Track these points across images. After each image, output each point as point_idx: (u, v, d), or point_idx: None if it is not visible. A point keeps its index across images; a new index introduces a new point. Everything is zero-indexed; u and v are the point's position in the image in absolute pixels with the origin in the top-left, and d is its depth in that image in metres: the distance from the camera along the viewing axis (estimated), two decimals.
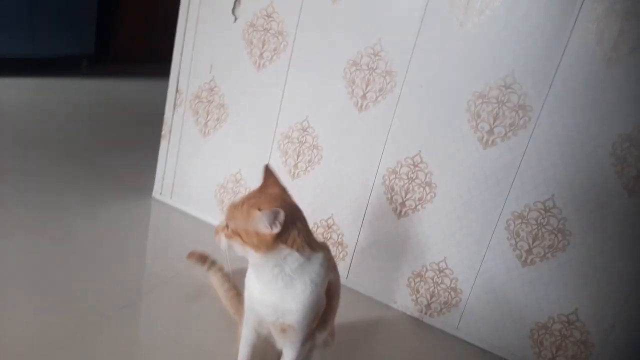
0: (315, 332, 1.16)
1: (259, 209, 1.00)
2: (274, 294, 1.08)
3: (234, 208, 1.07)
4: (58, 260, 1.64)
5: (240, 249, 1.05)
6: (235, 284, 1.57)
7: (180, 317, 1.54)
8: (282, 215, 0.99)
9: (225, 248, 1.07)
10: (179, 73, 2.02)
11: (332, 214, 1.86)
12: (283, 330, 1.11)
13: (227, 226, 1.07)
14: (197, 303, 1.60)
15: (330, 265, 1.14)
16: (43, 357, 1.24)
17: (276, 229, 1.01)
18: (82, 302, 1.48)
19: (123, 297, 1.53)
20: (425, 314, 1.77)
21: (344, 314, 1.63)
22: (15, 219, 1.82)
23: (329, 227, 1.87)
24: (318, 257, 1.10)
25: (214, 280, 1.61)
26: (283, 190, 1.13)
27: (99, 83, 4.20)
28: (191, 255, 1.66)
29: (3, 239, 1.68)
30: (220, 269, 1.61)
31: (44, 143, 2.55)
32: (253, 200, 1.07)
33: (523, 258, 1.59)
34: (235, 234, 1.04)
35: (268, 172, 1.15)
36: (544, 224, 1.54)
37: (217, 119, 1.98)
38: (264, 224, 1.00)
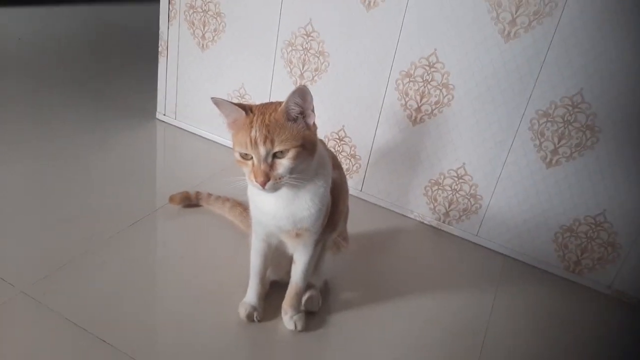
0: (325, 233, 1.13)
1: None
2: (291, 204, 1.02)
3: (268, 123, 0.93)
4: (66, 182, 1.61)
5: (288, 167, 0.94)
6: (236, 200, 1.53)
7: (192, 233, 1.51)
8: (307, 90, 0.94)
9: (272, 188, 0.95)
10: None
11: (343, 126, 1.76)
12: (298, 235, 1.08)
13: (272, 154, 0.94)
14: (208, 219, 1.56)
15: (334, 162, 1.10)
16: (51, 273, 1.22)
17: (314, 115, 0.97)
18: (91, 219, 1.45)
19: (132, 216, 1.49)
20: (444, 222, 1.72)
21: (360, 224, 1.61)
22: (21, 144, 1.77)
23: (341, 140, 1.78)
24: (322, 154, 1.05)
25: (213, 208, 1.58)
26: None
27: (95, 9, 4.02)
28: (172, 199, 1.56)
29: (10, 163, 1.64)
30: (210, 195, 1.58)
31: (43, 70, 2.45)
32: (267, 107, 0.98)
33: (548, 159, 1.49)
34: (287, 148, 0.94)
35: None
36: (571, 121, 1.43)
37: (215, 30, 1.85)
38: (308, 104, 0.95)
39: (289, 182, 0.96)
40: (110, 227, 1.43)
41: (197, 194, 1.58)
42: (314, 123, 0.99)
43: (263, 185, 0.94)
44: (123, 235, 1.41)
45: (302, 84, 0.97)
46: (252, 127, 0.93)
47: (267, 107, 0.97)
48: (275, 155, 0.94)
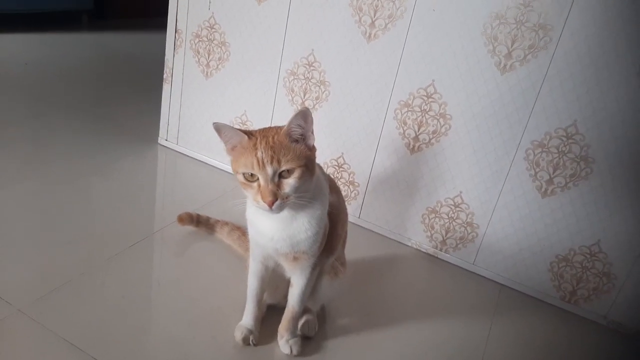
0: (322, 257, 1.14)
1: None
2: (289, 227, 1.04)
3: (272, 144, 0.96)
4: (67, 205, 1.62)
5: (294, 186, 0.97)
6: (234, 224, 1.54)
7: (190, 256, 1.51)
8: (309, 112, 0.97)
9: (279, 208, 0.97)
10: (177, 11, 1.92)
11: (342, 153, 1.79)
12: (296, 258, 1.09)
13: (278, 174, 0.96)
14: (207, 243, 1.57)
15: (331, 185, 1.12)
16: (49, 292, 1.22)
17: (314, 137, 1.01)
18: (90, 242, 1.46)
19: (130, 238, 1.50)
20: (441, 250, 1.73)
21: (358, 251, 1.63)
22: (25, 167, 1.80)
23: (340, 167, 1.81)
24: (319, 177, 1.07)
25: (212, 231, 1.59)
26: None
27: (100, 37, 4.12)
28: (181, 219, 1.58)
29: (13, 185, 1.66)
30: (209, 219, 1.59)
31: (48, 96, 2.50)
32: (268, 130, 1.01)
33: (543, 189, 1.52)
34: (293, 167, 0.96)
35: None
36: (565, 151, 1.46)
37: (219, 59, 1.90)
38: (309, 126, 0.98)
39: (295, 201, 0.98)
40: (109, 249, 1.44)
41: (198, 216, 1.60)
42: (313, 145, 1.01)
43: (271, 205, 0.95)
44: (121, 258, 1.42)
45: (304, 106, 1.02)
46: (256, 149, 0.96)
47: (269, 131, 1.00)
48: (281, 175, 0.96)
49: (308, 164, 0.98)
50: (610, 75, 1.35)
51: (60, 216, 1.55)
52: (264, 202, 0.95)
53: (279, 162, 0.95)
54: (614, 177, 1.42)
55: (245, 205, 1.08)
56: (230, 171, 1.92)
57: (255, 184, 0.97)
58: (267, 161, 0.95)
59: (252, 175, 0.97)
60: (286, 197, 0.96)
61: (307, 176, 0.98)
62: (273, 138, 0.97)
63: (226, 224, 1.56)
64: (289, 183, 0.96)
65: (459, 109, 1.56)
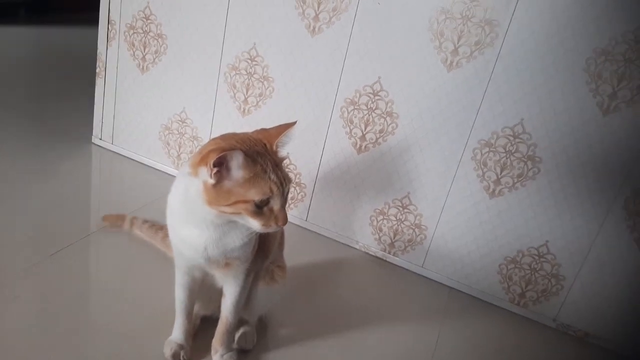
0: (256, 261, 1.06)
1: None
2: (226, 236, 0.95)
3: (277, 163, 0.90)
4: None
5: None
6: (161, 225, 1.44)
7: (120, 263, 1.40)
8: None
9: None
10: (109, 0, 1.79)
11: (287, 153, 1.69)
12: (228, 265, 1.00)
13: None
14: (139, 249, 1.45)
15: None
16: None
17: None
18: (9, 249, 1.32)
19: (55, 245, 1.37)
20: (389, 252, 1.67)
21: (304, 255, 1.57)
22: None
23: (285, 167, 1.72)
24: None
25: (141, 234, 1.49)
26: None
27: (37, 31, 3.88)
28: (106, 218, 1.51)
29: None
30: (145, 222, 1.49)
31: None
32: (255, 143, 0.92)
33: (491, 189, 1.48)
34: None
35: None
36: (512, 151, 1.43)
37: (156, 52, 1.78)
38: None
39: None
40: (30, 257, 1.31)
41: (133, 219, 1.48)
42: None
43: (285, 223, 0.90)
44: (43, 266, 1.29)
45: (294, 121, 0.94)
46: (266, 172, 0.87)
47: (256, 144, 0.91)
48: None
49: None
50: (557, 72, 1.33)
51: None
52: (279, 225, 0.89)
53: (289, 180, 0.90)
54: (561, 177, 1.40)
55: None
56: (170, 172, 1.81)
57: (265, 209, 0.87)
58: (285, 183, 0.88)
59: (261, 201, 0.86)
60: None
61: None
62: (272, 156, 0.90)
63: (161, 228, 1.45)
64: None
65: (405, 107, 1.50)
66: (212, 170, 0.84)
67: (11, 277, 1.23)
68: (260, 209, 0.87)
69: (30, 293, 1.20)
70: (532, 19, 1.31)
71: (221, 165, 0.84)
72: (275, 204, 0.88)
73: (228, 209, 0.86)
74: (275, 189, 0.86)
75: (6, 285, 1.20)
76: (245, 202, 0.86)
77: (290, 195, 1.70)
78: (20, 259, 1.30)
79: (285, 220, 0.89)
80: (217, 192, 0.86)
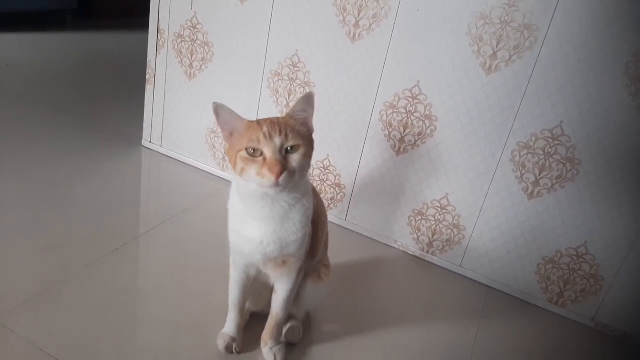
0: (306, 260, 1.12)
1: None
2: (281, 228, 1.01)
3: (278, 122, 0.95)
4: (48, 209, 1.58)
5: (300, 163, 0.95)
6: None
7: (171, 261, 1.48)
8: (313, 97, 0.97)
9: (285, 183, 0.93)
10: (158, 10, 1.88)
11: (327, 155, 1.77)
12: (284, 262, 1.06)
13: (286, 149, 0.94)
14: (190, 247, 1.54)
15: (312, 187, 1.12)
16: (25, 301, 1.19)
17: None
18: (71, 247, 1.42)
19: (112, 244, 1.47)
20: (427, 252, 1.71)
21: (344, 254, 1.61)
22: (3, 170, 1.75)
23: (326, 169, 1.79)
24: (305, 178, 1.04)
25: None
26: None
27: (84, 37, 4.06)
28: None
29: None
30: None
31: (30, 98, 2.45)
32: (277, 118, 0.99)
33: (529, 191, 1.50)
34: (299, 144, 0.95)
35: None
36: (551, 153, 1.45)
37: (203, 59, 1.87)
38: (312, 111, 0.99)
39: (297, 183, 0.97)
40: (90, 255, 1.41)
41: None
42: (313, 131, 1.01)
43: (278, 176, 0.91)
44: (102, 263, 1.39)
45: (310, 91, 1.08)
46: (261, 126, 0.94)
47: (269, 118, 0.99)
48: (286, 151, 0.94)
49: (310, 146, 0.98)
50: (596, 75, 1.34)
51: (40, 222, 1.52)
52: (271, 173, 0.91)
53: (286, 136, 0.93)
54: (600, 179, 1.42)
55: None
56: (216, 173, 1.89)
57: (259, 158, 0.93)
58: (275, 134, 0.93)
59: (255, 150, 0.93)
60: (293, 172, 0.94)
61: (309, 158, 0.97)
62: (277, 119, 0.97)
63: None
64: (296, 159, 0.94)
65: (444, 110, 1.54)
66: (222, 130, 0.99)
67: (76, 273, 1.33)
68: (254, 157, 0.93)
69: (92, 288, 1.30)
70: (571, 23, 1.33)
71: (218, 115, 0.97)
72: (269, 153, 0.93)
73: (238, 163, 0.95)
74: (262, 137, 0.92)
75: (72, 280, 1.30)
76: (239, 150, 0.95)
77: (329, 196, 1.77)
78: (82, 256, 1.40)
79: (276, 168, 0.91)
80: (230, 151, 0.98)
